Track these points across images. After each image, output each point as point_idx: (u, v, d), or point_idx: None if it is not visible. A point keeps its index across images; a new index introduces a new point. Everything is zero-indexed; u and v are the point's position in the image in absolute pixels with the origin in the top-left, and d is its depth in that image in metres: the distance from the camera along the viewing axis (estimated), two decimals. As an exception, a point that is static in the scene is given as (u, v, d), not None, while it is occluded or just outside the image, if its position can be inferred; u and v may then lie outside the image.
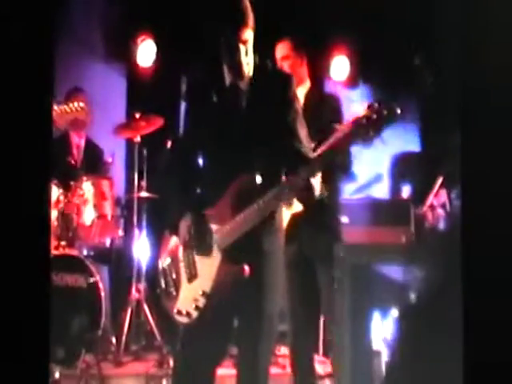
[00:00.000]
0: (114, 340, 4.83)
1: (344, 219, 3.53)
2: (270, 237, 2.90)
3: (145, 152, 5.31)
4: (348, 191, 5.01)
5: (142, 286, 5.10)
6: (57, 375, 4.16)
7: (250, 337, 2.86)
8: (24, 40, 1.88)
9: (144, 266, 5.18)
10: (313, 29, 5.27)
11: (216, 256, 2.86)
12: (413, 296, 3.22)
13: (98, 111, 5.39)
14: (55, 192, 4.77)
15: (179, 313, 2.93)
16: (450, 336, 2.42)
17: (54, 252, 4.67)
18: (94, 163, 5.38)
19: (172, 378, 3.07)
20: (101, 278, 4.72)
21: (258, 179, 2.84)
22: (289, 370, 4.04)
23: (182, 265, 2.96)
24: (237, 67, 2.86)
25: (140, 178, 5.27)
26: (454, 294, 2.23)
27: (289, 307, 3.86)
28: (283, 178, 2.81)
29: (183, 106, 3.12)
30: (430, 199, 4.54)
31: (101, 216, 4.98)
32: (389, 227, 3.47)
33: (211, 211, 2.91)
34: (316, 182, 2.74)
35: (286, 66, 3.86)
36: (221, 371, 3.11)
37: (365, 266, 3.36)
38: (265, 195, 2.74)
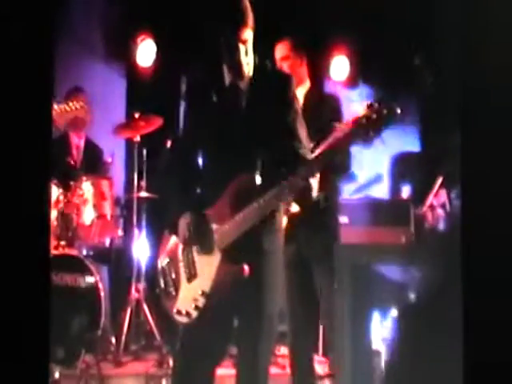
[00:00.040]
0: (113, 340, 4.83)
1: (344, 219, 3.53)
2: (270, 236, 2.91)
3: (144, 152, 5.31)
4: (348, 191, 5.01)
5: (142, 285, 5.09)
6: (57, 375, 4.16)
7: (250, 337, 2.86)
8: (24, 40, 1.88)
9: (144, 265, 5.18)
10: (313, 29, 5.27)
11: (216, 256, 2.86)
12: (413, 296, 3.22)
13: (97, 111, 5.39)
14: (55, 192, 4.77)
15: (179, 312, 2.93)
16: (450, 336, 2.42)
17: (53, 252, 4.67)
18: (94, 163, 5.38)
19: (172, 377, 3.07)
20: (100, 277, 4.72)
21: (258, 179, 2.84)
22: (288, 370, 4.03)
23: (181, 264, 2.96)
24: (237, 67, 2.86)
25: (139, 178, 5.27)
26: (454, 294, 2.23)
27: (288, 307, 3.86)
28: (282, 178, 2.80)
29: (183, 105, 3.12)
30: (430, 199, 4.53)
31: (100, 216, 4.98)
32: (389, 227, 3.45)
33: (211, 211, 2.91)
34: (315, 182, 2.74)
35: (285, 67, 3.85)
36: (220, 371, 3.11)
37: (364, 266, 3.36)
38: (264, 195, 2.74)
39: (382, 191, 5.66)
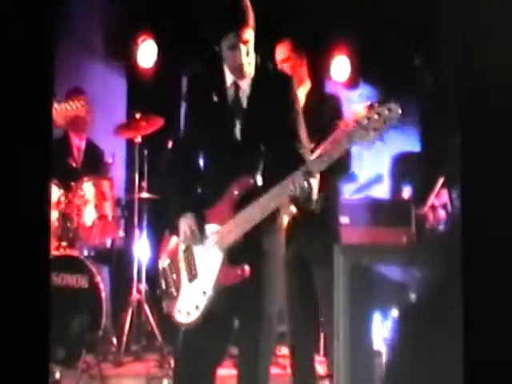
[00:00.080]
0: (114, 340, 4.83)
1: (344, 220, 3.53)
2: (270, 237, 2.91)
3: (145, 152, 5.30)
4: (348, 191, 5.02)
5: (143, 286, 5.09)
6: (57, 375, 4.16)
7: (250, 337, 2.87)
8: (24, 40, 1.88)
9: (145, 266, 5.18)
10: (313, 29, 5.27)
11: (216, 256, 2.86)
12: (413, 296, 3.21)
13: (98, 111, 5.39)
14: (56, 193, 4.77)
15: (180, 313, 2.93)
16: (450, 336, 2.42)
17: (54, 253, 4.67)
18: (95, 164, 5.38)
19: (173, 378, 3.07)
20: (101, 278, 4.73)
21: (259, 179, 2.85)
22: (289, 370, 4.04)
23: (182, 265, 2.96)
24: (238, 67, 2.86)
25: (141, 179, 5.27)
26: (454, 294, 2.23)
27: (288, 307, 3.86)
28: (283, 178, 2.80)
29: (184, 106, 3.11)
30: (431, 200, 4.54)
31: (101, 216, 4.98)
32: (389, 228, 3.46)
33: (211, 211, 2.91)
34: (315, 182, 2.74)
35: (286, 68, 3.85)
36: (221, 371, 3.12)
37: (365, 267, 3.35)
38: (265, 195, 2.74)
39: (382, 191, 5.66)
